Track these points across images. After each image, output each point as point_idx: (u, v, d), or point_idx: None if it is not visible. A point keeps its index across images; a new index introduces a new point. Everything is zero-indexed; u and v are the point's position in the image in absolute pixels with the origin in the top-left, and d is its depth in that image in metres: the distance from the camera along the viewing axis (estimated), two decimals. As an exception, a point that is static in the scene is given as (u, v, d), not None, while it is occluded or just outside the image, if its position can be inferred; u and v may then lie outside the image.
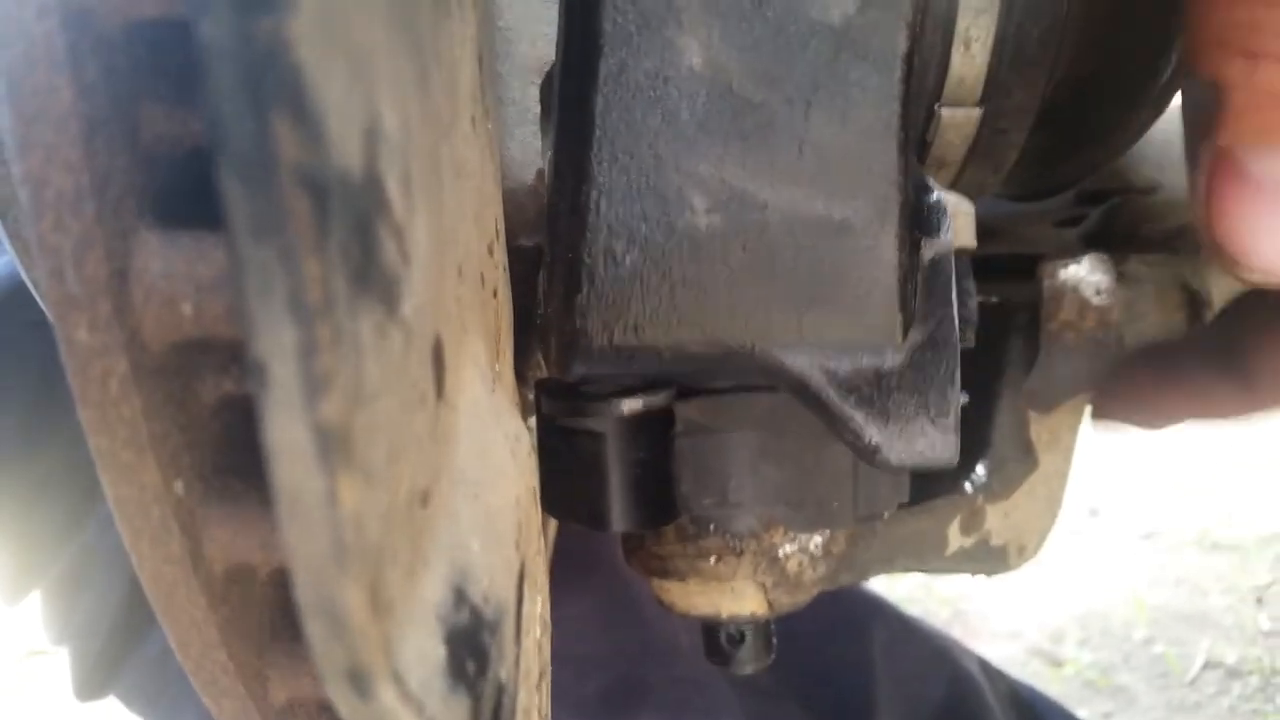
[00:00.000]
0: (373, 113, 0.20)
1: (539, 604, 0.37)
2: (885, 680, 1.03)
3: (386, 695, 0.21)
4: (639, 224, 0.40)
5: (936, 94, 0.55)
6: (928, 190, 0.43)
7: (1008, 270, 0.72)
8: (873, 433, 0.44)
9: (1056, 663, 2.39)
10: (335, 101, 0.17)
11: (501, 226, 0.42)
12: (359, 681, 0.21)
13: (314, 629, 0.20)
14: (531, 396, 0.55)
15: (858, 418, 0.43)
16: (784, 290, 0.41)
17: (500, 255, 0.42)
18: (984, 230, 0.87)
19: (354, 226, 0.18)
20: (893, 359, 0.43)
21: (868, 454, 0.44)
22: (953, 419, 0.44)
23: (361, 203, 0.19)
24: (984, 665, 1.14)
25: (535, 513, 0.37)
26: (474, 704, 0.25)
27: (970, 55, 0.54)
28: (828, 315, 0.42)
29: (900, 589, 2.71)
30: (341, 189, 0.17)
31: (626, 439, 0.54)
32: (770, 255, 0.41)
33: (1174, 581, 2.73)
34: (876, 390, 0.43)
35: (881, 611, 1.12)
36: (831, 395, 0.43)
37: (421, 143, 0.24)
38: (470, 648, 0.26)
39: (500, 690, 0.29)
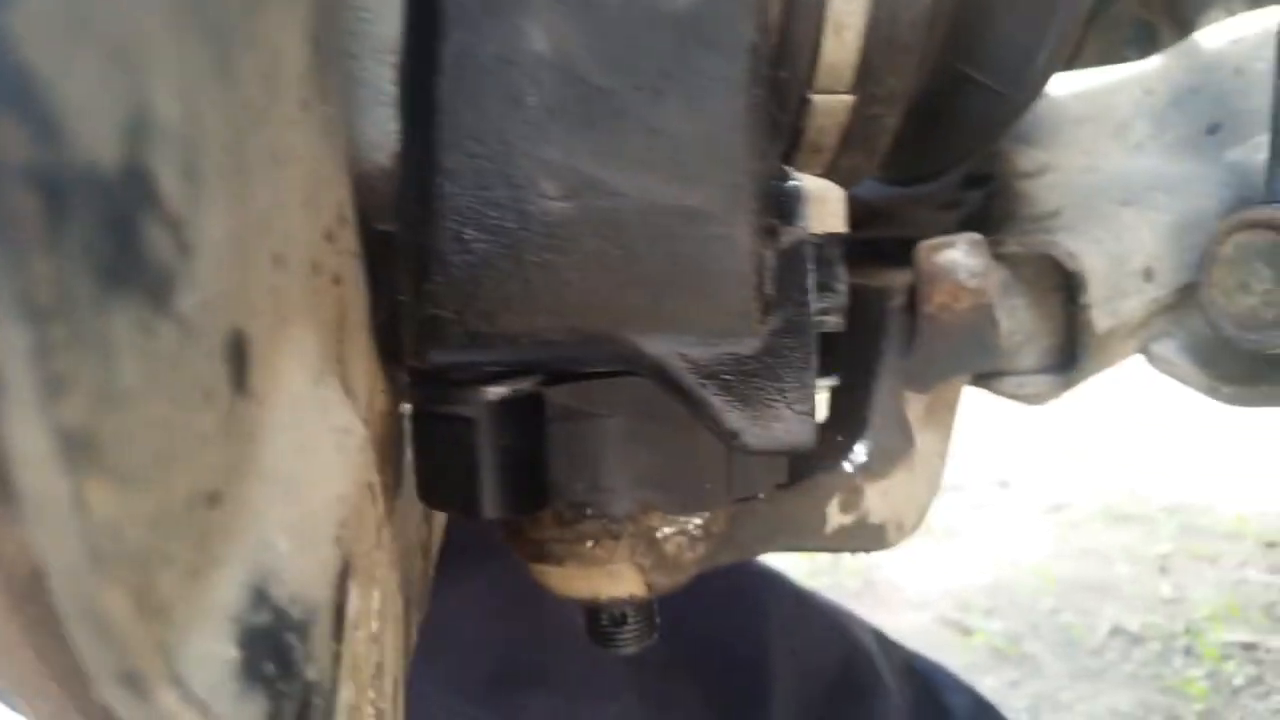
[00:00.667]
0: (139, 104, 0.19)
1: (375, 599, 0.36)
2: (781, 654, 1.04)
3: (166, 698, 0.21)
4: (489, 210, 0.39)
5: (808, 81, 0.55)
6: (784, 177, 0.44)
7: (891, 254, 0.74)
8: (731, 418, 0.44)
9: (965, 631, 2.45)
10: (79, 96, 0.17)
11: (349, 211, 0.41)
12: (134, 685, 0.20)
13: (76, 634, 0.19)
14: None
15: (716, 403, 0.44)
16: (640, 277, 0.41)
17: (349, 241, 0.41)
18: (868, 214, 0.88)
19: (103, 222, 0.17)
20: (750, 345, 0.43)
21: (726, 439, 0.44)
22: (809, 404, 0.44)
23: (116, 198, 0.18)
24: (880, 637, 1.16)
25: (372, 507, 0.36)
26: (273, 705, 0.25)
27: (842, 41, 0.55)
28: (684, 302, 0.42)
29: (810, 561, 2.75)
30: (85, 185, 0.17)
31: (497, 424, 0.54)
32: (625, 242, 0.41)
33: (1080, 552, 2.82)
34: (735, 376, 0.44)
35: (778, 586, 1.13)
36: (690, 381, 0.43)
37: (217, 131, 0.23)
38: (271, 649, 0.25)
39: (309, 690, 0.28)
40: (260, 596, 0.26)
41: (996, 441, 3.44)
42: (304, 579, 0.29)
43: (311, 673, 0.28)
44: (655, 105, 0.39)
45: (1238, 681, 2.14)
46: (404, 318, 0.42)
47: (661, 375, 0.44)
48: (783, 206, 0.43)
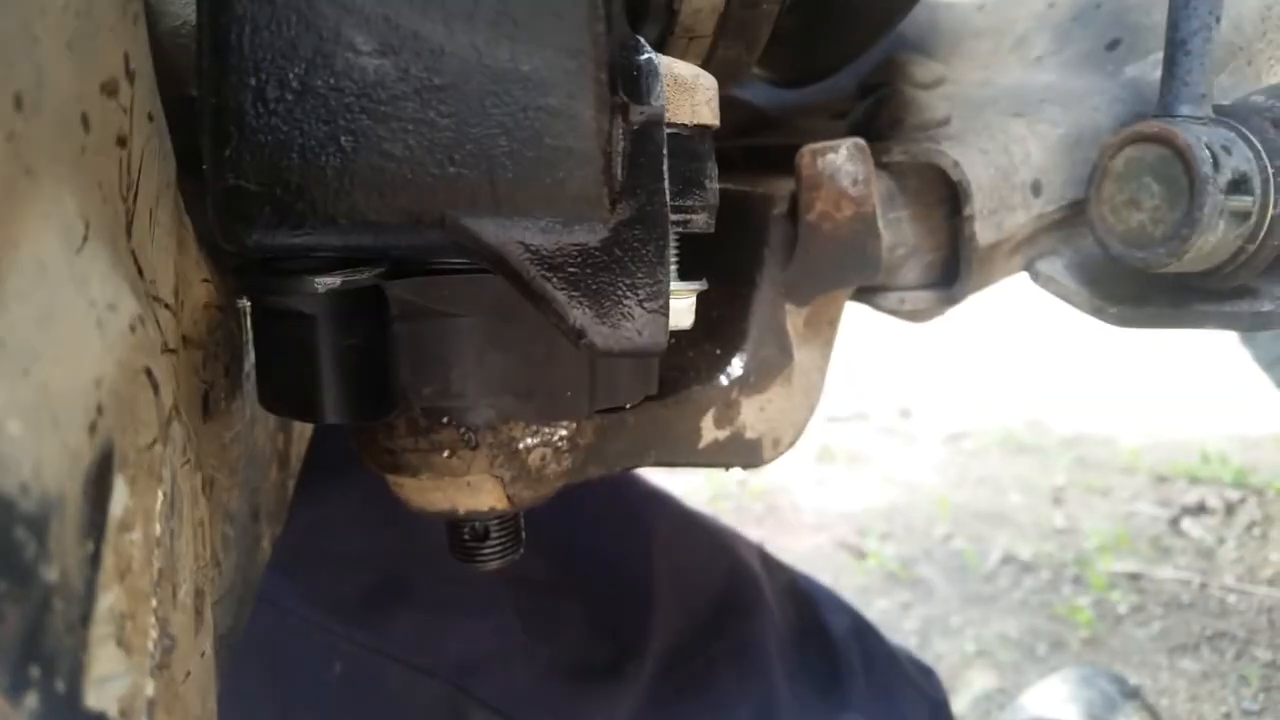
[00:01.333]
0: None
1: (158, 499, 0.32)
2: (664, 572, 1.03)
3: None
4: (293, 63, 0.34)
5: (682, -45, 0.51)
6: (636, 49, 0.40)
7: (781, 162, 0.70)
8: (577, 315, 0.40)
9: (860, 555, 2.49)
10: None
11: (142, 66, 0.36)
12: None
13: None
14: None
15: (560, 298, 0.40)
16: (472, 152, 0.37)
17: (142, 101, 0.36)
18: (758, 120, 0.84)
19: None
20: (597, 234, 0.39)
21: (572, 337, 0.41)
22: (662, 301, 0.41)
23: None
24: (764, 557, 1.16)
25: (150, 396, 0.32)
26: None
27: (719, -86, 0.51)
28: (523, 182, 0.38)
29: (713, 484, 2.77)
30: None
31: (337, 322, 0.49)
32: (452, 110, 0.36)
33: (976, 481, 2.88)
34: (581, 269, 0.40)
35: (662, 504, 1.12)
36: (532, 272, 0.39)
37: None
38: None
39: (48, 591, 0.24)
40: (-22, 481, 0.22)
41: (900, 370, 3.48)
42: (40, 466, 0.25)
43: (50, 573, 0.24)
44: (481, -52, 0.34)
45: (1121, 610, 2.21)
46: (208, 192, 0.37)
47: (501, 265, 0.40)
48: (635, 82, 0.39)
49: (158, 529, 0.32)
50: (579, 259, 0.40)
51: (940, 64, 0.84)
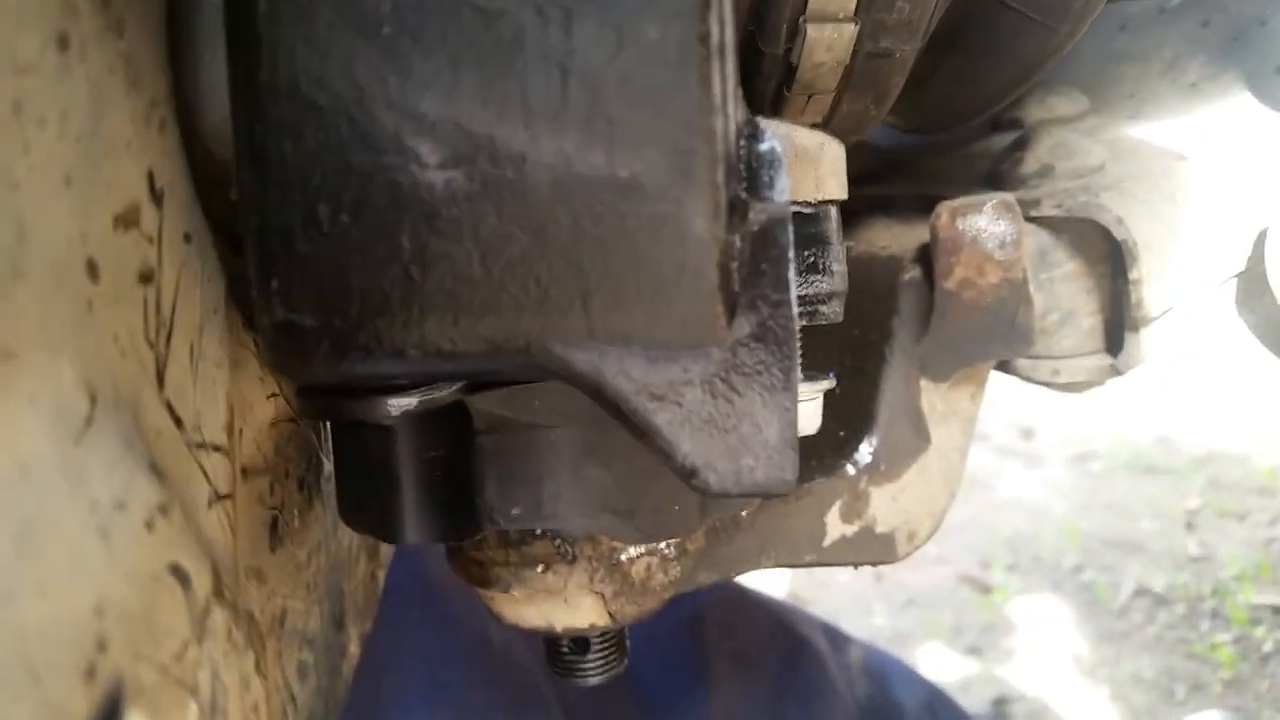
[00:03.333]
0: None
1: (189, 713, 0.27)
2: (721, 657, 0.98)
3: None
4: (346, 179, 0.29)
5: (801, 5, 0.44)
6: (757, 137, 0.33)
7: (906, 213, 0.63)
8: (688, 450, 0.34)
9: (985, 589, 2.36)
10: None
11: (172, 180, 0.31)
12: None
13: None
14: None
15: (668, 431, 0.33)
16: (561, 271, 0.31)
17: (173, 220, 0.31)
18: (880, 164, 0.76)
19: None
20: (711, 359, 0.33)
21: (683, 475, 0.34)
22: (789, 433, 0.34)
23: None
24: (830, 632, 1.10)
25: (168, 598, 0.26)
26: None
27: (843, -45, 0.43)
28: (622, 304, 0.31)
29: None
30: None
31: (418, 434, 0.44)
32: (537, 224, 0.30)
33: (1105, 506, 2.72)
34: (692, 397, 0.33)
35: (717, 586, 1.06)
36: (634, 404, 0.33)
37: None
38: None
39: None
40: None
41: (1020, 389, 3.33)
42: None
43: None
44: (565, 34, 0.28)
45: (1267, 647, 2.05)
46: (257, 324, 0.32)
47: (598, 395, 0.33)
48: (755, 175, 0.33)
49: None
50: (689, 387, 0.33)
51: (1080, 94, 0.75)
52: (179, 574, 0.27)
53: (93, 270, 0.25)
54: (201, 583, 0.29)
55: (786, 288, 0.33)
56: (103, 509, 0.24)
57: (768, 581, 1.85)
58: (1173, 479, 2.83)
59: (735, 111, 0.30)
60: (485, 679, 0.85)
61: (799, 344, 0.34)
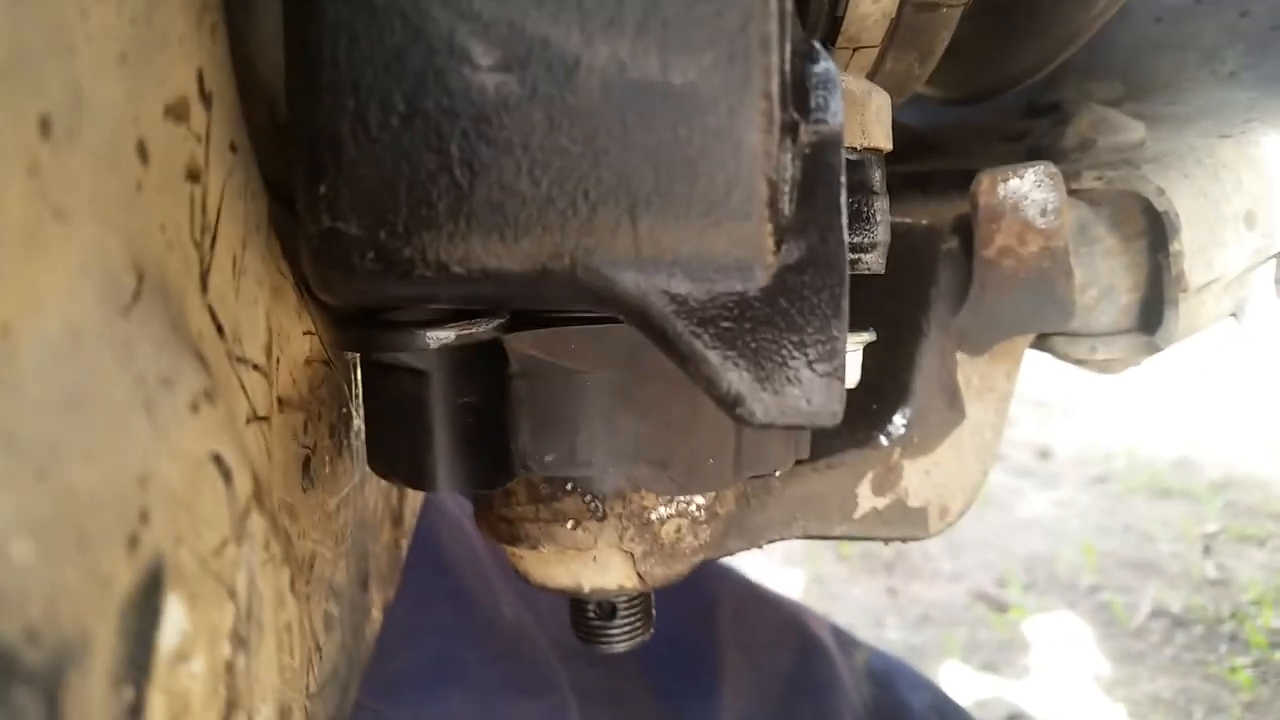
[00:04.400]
0: None
1: (227, 614, 0.26)
2: (731, 649, 0.97)
3: None
4: (399, 81, 0.28)
5: (848, -46, 0.43)
6: (812, 57, 0.32)
7: (942, 190, 0.62)
8: (733, 378, 0.33)
9: (1000, 608, 2.34)
10: None
11: (220, 86, 0.31)
12: None
13: None
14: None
15: (712, 358, 0.33)
16: (610, 185, 0.30)
17: (221, 126, 0.31)
18: (918, 143, 0.76)
19: None
20: (759, 282, 0.32)
21: (726, 405, 0.33)
22: (837, 362, 0.33)
23: None
24: (838, 634, 1.09)
25: (210, 487, 0.26)
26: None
27: (893, -95, 0.43)
28: (671, 221, 0.31)
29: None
30: None
31: (452, 378, 0.43)
32: (587, 133, 0.30)
33: (1123, 528, 2.69)
34: (738, 323, 0.33)
35: (729, 579, 1.06)
36: (678, 328, 0.32)
37: None
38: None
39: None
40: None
41: (1038, 408, 3.31)
42: (56, 601, 0.19)
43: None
44: (627, -66, 0.28)
45: (1286, 671, 2.03)
46: (300, 235, 0.32)
47: (642, 320, 0.33)
48: (807, 94, 0.32)
49: (226, 651, 0.26)
50: (736, 312, 0.33)
51: (1118, 78, 0.75)
52: (221, 466, 0.27)
53: (143, 153, 0.25)
54: (242, 482, 0.28)
55: (838, 211, 0.32)
56: (149, 383, 0.23)
57: (779, 583, 1.84)
58: (1191, 502, 2.81)
59: (792, 26, 0.30)
60: (497, 657, 0.84)
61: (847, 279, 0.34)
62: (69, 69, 0.21)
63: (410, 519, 0.70)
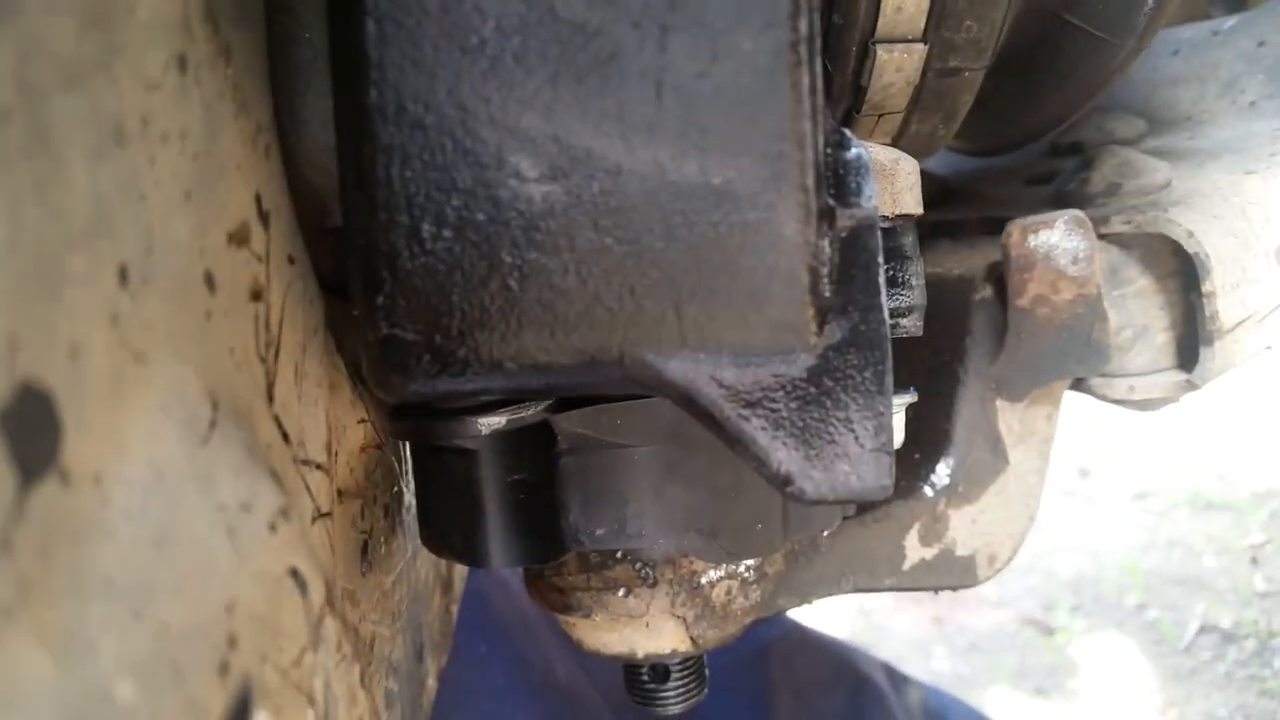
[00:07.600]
0: None
1: (308, 721, 0.27)
2: (785, 696, 0.96)
3: None
4: (450, 196, 0.30)
5: (870, 27, 0.45)
6: (843, 145, 0.33)
7: (970, 237, 0.63)
8: (781, 457, 0.34)
9: (1048, 631, 2.31)
10: None
11: (276, 203, 0.32)
12: None
13: None
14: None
15: (761, 440, 0.33)
16: (654, 280, 0.31)
17: (279, 242, 0.32)
18: (943, 190, 0.77)
19: None
20: (803, 364, 0.33)
21: (777, 484, 0.34)
22: (884, 437, 0.34)
23: None
24: (891, 673, 1.08)
25: (289, 601, 0.27)
26: None
27: (911, -24, 0.44)
28: (715, 311, 0.32)
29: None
30: None
31: (502, 457, 0.44)
32: (631, 235, 0.31)
33: (1167, 544, 2.65)
34: (785, 404, 0.33)
35: (777, 624, 1.05)
36: (726, 411, 0.33)
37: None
38: None
39: None
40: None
41: (1075, 427, 3.28)
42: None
43: None
44: (660, 49, 0.29)
45: (1345, 684, 1.99)
46: (359, 340, 0.33)
47: (690, 404, 0.34)
48: (842, 182, 0.33)
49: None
50: (782, 393, 0.33)
51: (1137, 117, 0.75)
52: (298, 579, 0.28)
53: (210, 282, 0.26)
54: (316, 589, 0.29)
55: (877, 291, 0.33)
56: (230, 510, 0.24)
57: (827, 623, 1.83)
58: (1234, 514, 2.77)
59: (824, 119, 0.31)
60: (551, 716, 0.84)
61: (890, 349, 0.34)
62: (140, 216, 0.22)
63: (459, 584, 0.71)
